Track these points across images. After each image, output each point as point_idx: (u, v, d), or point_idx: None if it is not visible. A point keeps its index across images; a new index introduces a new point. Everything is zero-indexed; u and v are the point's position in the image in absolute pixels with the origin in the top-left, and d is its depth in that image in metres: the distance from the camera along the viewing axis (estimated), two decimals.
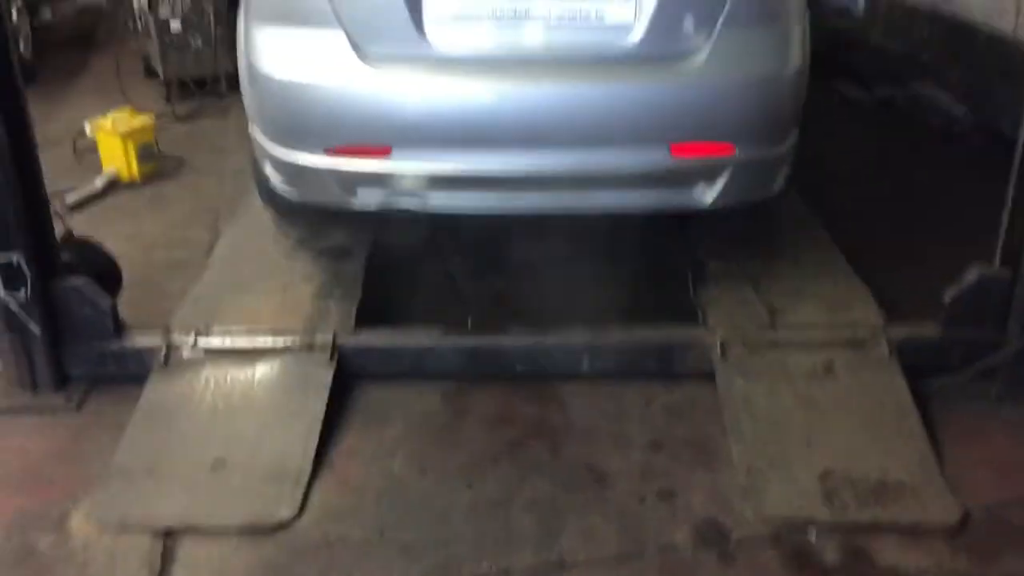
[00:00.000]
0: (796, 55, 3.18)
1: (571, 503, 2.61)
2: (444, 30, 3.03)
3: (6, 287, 2.91)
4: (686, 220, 3.79)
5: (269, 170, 3.38)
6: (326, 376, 2.98)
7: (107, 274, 3.30)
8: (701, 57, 3.05)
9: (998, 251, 3.05)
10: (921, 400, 2.92)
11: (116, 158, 4.77)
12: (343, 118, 3.08)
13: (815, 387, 2.94)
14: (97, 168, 4.82)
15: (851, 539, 2.47)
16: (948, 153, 5.24)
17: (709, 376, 3.07)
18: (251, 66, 3.22)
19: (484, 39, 3.06)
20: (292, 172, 3.27)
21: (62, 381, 3.09)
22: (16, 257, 2.88)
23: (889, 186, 4.72)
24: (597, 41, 3.05)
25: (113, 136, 4.75)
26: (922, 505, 2.54)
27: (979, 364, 3.01)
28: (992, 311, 3.03)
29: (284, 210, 3.83)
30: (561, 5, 3.02)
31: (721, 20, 3.04)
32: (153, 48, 6.12)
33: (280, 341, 3.09)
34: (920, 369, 3.03)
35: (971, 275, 3.03)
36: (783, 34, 3.17)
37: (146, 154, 4.87)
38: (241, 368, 3.02)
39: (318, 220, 3.83)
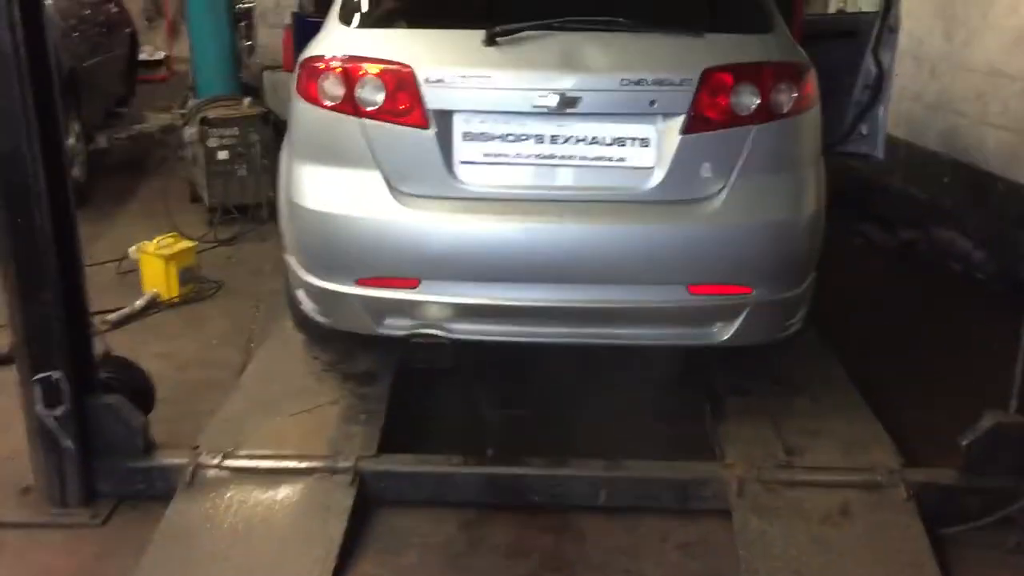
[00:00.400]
0: (811, 200, 3.31)
1: None
2: (473, 171, 3.20)
3: (45, 404, 3.02)
4: (704, 354, 3.85)
5: (302, 297, 3.52)
6: (346, 500, 3.03)
7: (141, 392, 3.42)
8: (718, 201, 3.18)
9: (1013, 398, 3.09)
10: (938, 546, 2.91)
11: (158, 279, 4.96)
12: (375, 252, 3.23)
13: (831, 529, 2.94)
14: (138, 288, 5.00)
15: None
16: (968, 297, 5.30)
17: (725, 513, 3.09)
18: (291, 200, 3.40)
19: (511, 180, 3.22)
20: (324, 300, 3.40)
21: (90, 496, 3.16)
22: (56, 375, 3.00)
23: (909, 327, 4.77)
24: (619, 184, 3.21)
25: (157, 259, 4.95)
26: None
27: (997, 514, 3.00)
28: (1009, 458, 3.05)
29: (315, 335, 3.96)
30: (585, 149, 3.18)
31: (738, 167, 3.19)
32: (200, 175, 6.40)
33: (304, 464, 3.17)
34: (937, 514, 3.03)
35: (987, 421, 3.06)
36: (798, 180, 3.31)
37: (187, 276, 5.05)
38: (265, 490, 3.08)
39: (347, 345, 3.95)
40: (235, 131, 6.27)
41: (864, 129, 5.03)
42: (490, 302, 3.23)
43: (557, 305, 3.22)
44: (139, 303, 4.82)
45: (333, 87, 3.23)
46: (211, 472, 3.14)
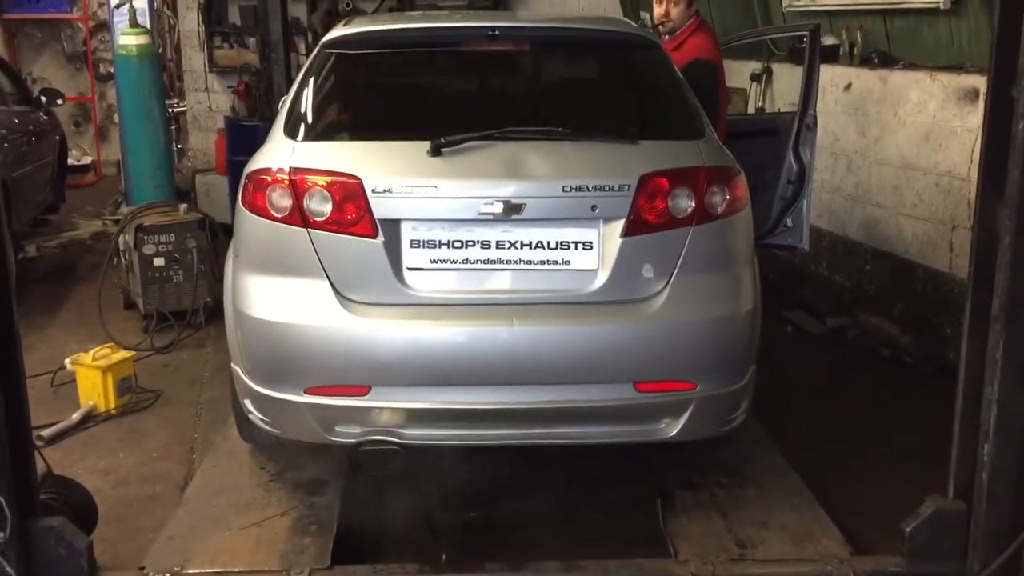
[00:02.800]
0: (748, 296, 3.43)
1: None
2: (421, 277, 3.26)
3: None
4: (651, 447, 3.90)
5: (250, 406, 3.50)
6: None
7: (83, 511, 3.33)
8: (660, 300, 3.28)
9: (951, 484, 3.19)
10: None
11: (94, 391, 4.87)
12: (324, 360, 3.25)
13: None
14: (73, 401, 4.90)
15: None
16: (899, 381, 5.47)
17: None
18: (237, 310, 3.41)
19: (458, 285, 3.29)
20: (273, 409, 3.39)
21: None
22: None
23: (844, 413, 4.89)
24: (564, 287, 3.29)
25: (93, 370, 4.86)
26: None
27: None
28: (950, 543, 3.13)
29: (262, 444, 3.93)
30: (531, 253, 3.27)
31: (677, 267, 3.30)
32: (135, 282, 6.34)
33: None
34: None
35: (927, 508, 3.15)
36: (735, 277, 3.43)
37: (124, 387, 4.97)
38: None
39: (294, 453, 3.92)
40: (171, 237, 6.25)
41: (789, 222, 5.25)
42: (441, 406, 3.25)
43: (508, 407, 3.26)
44: (76, 416, 4.72)
45: (280, 199, 3.28)
46: None
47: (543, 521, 3.69)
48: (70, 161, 10.33)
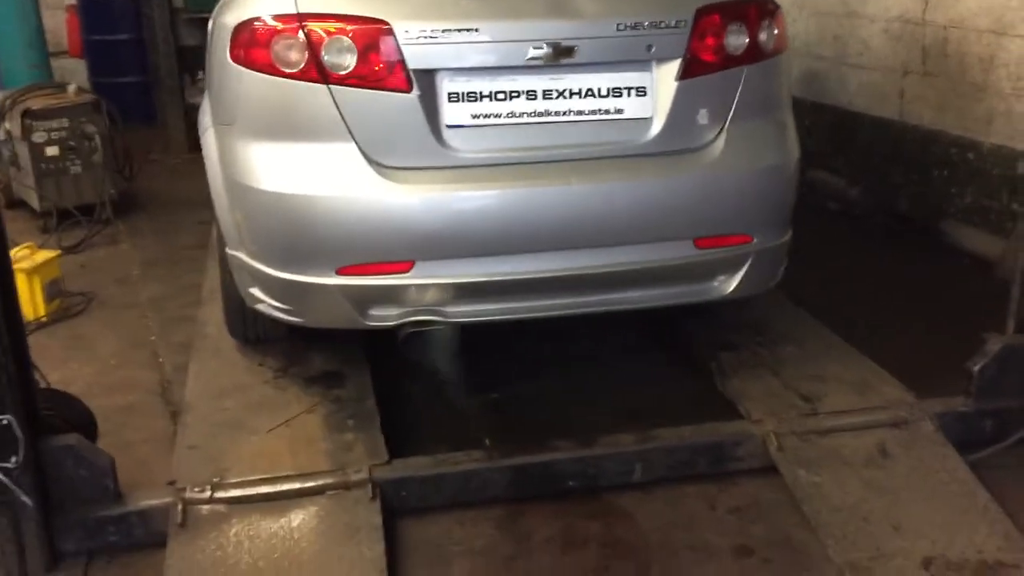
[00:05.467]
0: (794, 143, 3.25)
1: None
2: (462, 135, 2.90)
3: None
4: (670, 313, 3.72)
5: (260, 294, 3.09)
6: (374, 517, 2.67)
7: (85, 427, 2.88)
8: (717, 149, 3.05)
9: (1010, 320, 3.15)
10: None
11: (20, 298, 4.25)
12: (359, 235, 2.86)
13: (877, 471, 2.90)
14: None
15: None
16: (853, 234, 5.48)
17: (760, 471, 2.99)
18: (239, 184, 2.97)
19: (504, 142, 2.94)
20: (295, 295, 3.00)
21: (53, 561, 2.62)
22: (7, 419, 2.45)
23: (819, 272, 4.83)
24: (618, 138, 3.00)
25: (17, 274, 4.23)
26: None
27: (1017, 435, 3.05)
28: (1016, 379, 3.11)
29: (253, 338, 3.53)
30: (581, 103, 2.95)
31: (731, 112, 3.06)
32: (24, 176, 5.61)
33: (309, 483, 2.77)
34: (958, 441, 3.05)
35: (994, 345, 3.11)
36: (783, 123, 3.24)
37: (53, 291, 4.39)
38: (275, 519, 2.67)
39: (290, 347, 3.55)
40: (64, 123, 5.56)
41: None
42: (493, 278, 2.94)
43: (565, 274, 2.98)
44: None
45: (291, 52, 2.82)
46: (204, 508, 2.68)
47: (572, 396, 3.47)
48: None
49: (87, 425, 2.91)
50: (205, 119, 3.31)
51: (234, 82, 2.96)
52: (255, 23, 2.88)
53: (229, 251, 3.18)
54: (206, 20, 8.48)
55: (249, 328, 3.49)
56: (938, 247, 5.09)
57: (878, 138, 5.70)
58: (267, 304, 3.09)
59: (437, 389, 3.60)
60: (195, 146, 7.40)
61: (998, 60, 4.84)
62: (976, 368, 3.10)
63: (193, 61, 7.85)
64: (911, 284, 4.58)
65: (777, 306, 3.87)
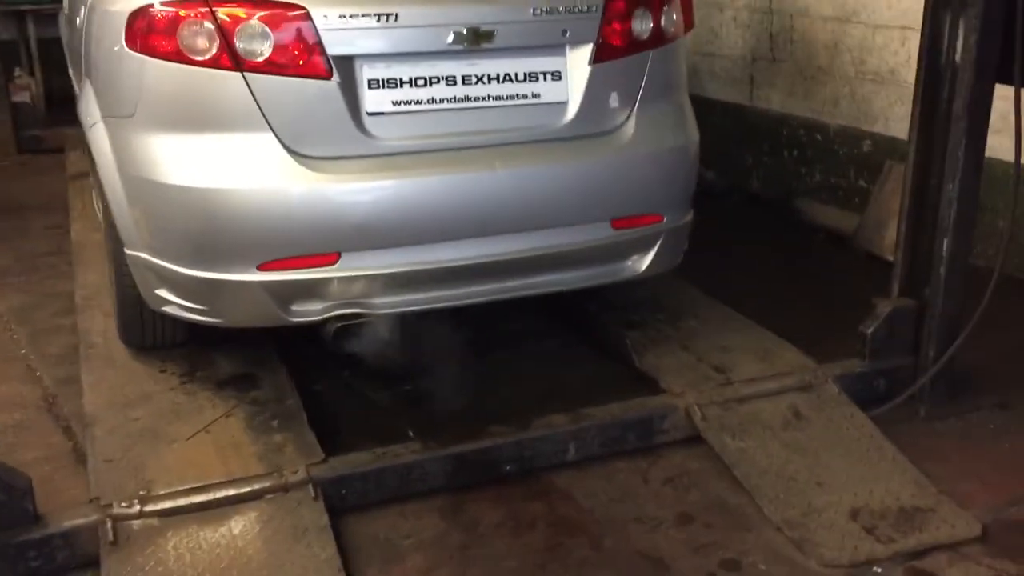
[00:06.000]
0: (694, 125, 3.40)
1: None
2: (383, 123, 2.86)
3: None
4: (580, 296, 3.79)
5: (169, 295, 2.94)
6: (320, 517, 2.60)
7: None
8: (627, 132, 3.14)
9: (895, 284, 3.39)
10: None
11: None
12: (282, 229, 2.78)
13: (795, 433, 3.05)
14: None
15: (912, 567, 2.57)
16: (713, 213, 5.69)
17: (683, 442, 3.10)
18: (143, 179, 2.84)
19: (424, 129, 2.92)
20: (210, 294, 2.87)
21: None
22: None
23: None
24: (534, 123, 3.04)
25: None
26: (948, 523, 2.71)
27: (907, 391, 3.29)
28: (903, 340, 3.35)
29: (156, 345, 3.35)
30: (499, 88, 2.96)
31: (639, 96, 3.15)
32: None
33: (245, 488, 2.66)
34: (856, 400, 3.25)
35: (884, 308, 3.33)
36: (684, 106, 3.38)
37: None
38: (213, 528, 2.55)
39: (188, 351, 3.39)
40: None
41: None
42: (420, 267, 2.91)
43: (488, 260, 2.99)
44: None
45: (200, 38, 2.70)
46: (135, 524, 2.53)
47: (485, 384, 3.47)
48: None
49: None
50: (91, 112, 3.11)
51: (133, 72, 2.81)
52: (154, 9, 2.73)
53: (128, 251, 3.00)
54: (19, 13, 7.94)
55: (147, 334, 3.31)
56: (795, 223, 5.39)
57: (730, 122, 5.97)
58: (176, 306, 2.95)
59: (349, 384, 3.52)
60: (23, 147, 7.04)
61: (842, 46, 5.17)
62: (869, 331, 3.32)
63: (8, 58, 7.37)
64: (775, 258, 4.84)
65: (668, 284, 3.99)
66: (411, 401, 3.41)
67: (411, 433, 3.10)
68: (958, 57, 3.03)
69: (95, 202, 4.30)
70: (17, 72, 7.55)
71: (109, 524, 2.50)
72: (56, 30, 7.47)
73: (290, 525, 2.57)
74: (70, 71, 4.61)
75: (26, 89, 7.53)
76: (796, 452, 2.98)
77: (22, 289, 4.50)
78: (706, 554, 2.63)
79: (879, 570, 2.56)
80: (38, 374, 3.67)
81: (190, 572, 2.42)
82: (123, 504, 2.56)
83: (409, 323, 3.39)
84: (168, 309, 2.98)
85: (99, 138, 3.02)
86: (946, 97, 3.09)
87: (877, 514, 2.74)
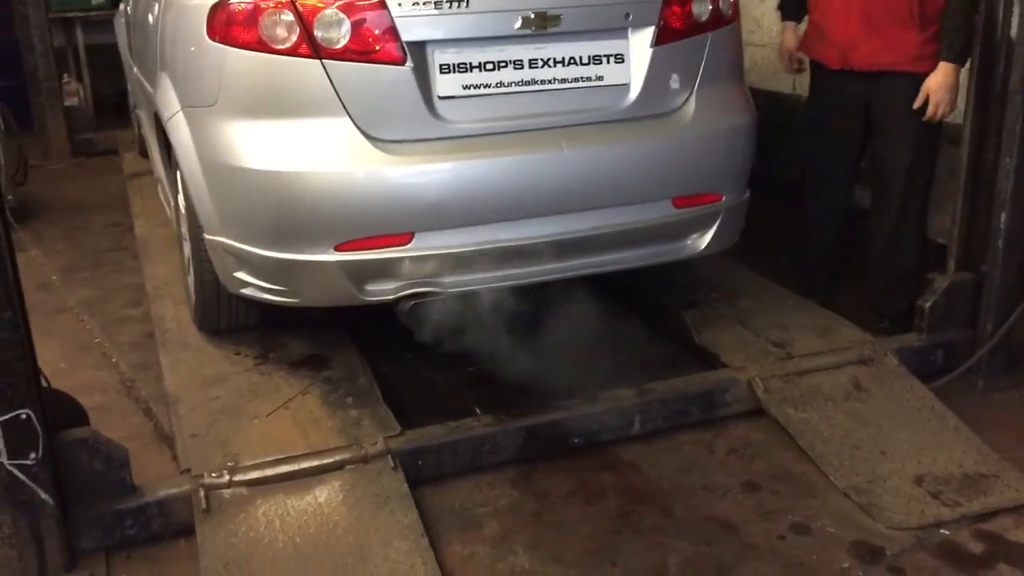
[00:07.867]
0: (751, 103, 3.45)
1: (724, 556, 2.55)
2: (454, 106, 2.95)
3: (12, 455, 2.35)
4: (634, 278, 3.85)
5: (248, 277, 3.05)
6: (401, 486, 2.70)
7: (79, 423, 2.77)
8: (687, 112, 3.21)
9: (951, 259, 3.44)
10: None
11: None
12: (358, 210, 2.87)
13: (857, 404, 3.11)
14: None
15: (978, 529, 2.63)
16: (754, 200, 5.73)
17: (744, 415, 3.17)
18: (226, 165, 2.94)
19: (493, 112, 3.00)
20: (289, 275, 2.97)
21: (72, 560, 2.53)
22: (26, 413, 2.35)
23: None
24: (598, 104, 3.11)
25: None
26: (1012, 488, 2.76)
27: (967, 364, 3.33)
28: (961, 313, 3.40)
29: (231, 329, 3.47)
30: (564, 71, 3.05)
31: (699, 77, 3.22)
32: None
33: (328, 459, 2.76)
34: (916, 373, 3.30)
35: (941, 283, 3.38)
36: (739, 85, 3.44)
37: None
38: (299, 497, 2.65)
39: (260, 335, 3.50)
40: None
41: None
42: (491, 246, 3.00)
43: (555, 239, 3.06)
44: None
45: (281, 28, 2.80)
46: (226, 492, 2.64)
47: (556, 364, 3.55)
48: None
49: (81, 421, 2.79)
50: (169, 104, 3.23)
51: (214, 62, 2.91)
52: (233, 1, 2.84)
53: (208, 236, 3.11)
54: (68, 20, 8.11)
55: (223, 318, 3.42)
56: None
57: (773, 113, 5.99)
58: (255, 287, 3.06)
59: (413, 366, 3.61)
60: (77, 151, 7.21)
61: None
62: (927, 305, 3.38)
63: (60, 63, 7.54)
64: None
65: (722, 265, 4.05)
66: (476, 381, 3.49)
67: (477, 410, 3.18)
68: (1013, 32, 3.09)
69: (161, 196, 4.44)
70: (66, 78, 7.74)
71: (202, 493, 2.61)
72: (104, 36, 7.67)
73: (372, 493, 2.67)
74: (134, 70, 4.75)
75: (74, 95, 7.73)
76: (858, 422, 3.04)
77: (89, 283, 4.65)
78: (775, 519, 2.70)
79: (947, 532, 2.62)
80: (114, 360, 3.80)
81: (280, 536, 2.53)
82: (213, 475, 2.67)
83: (473, 304, 3.50)
84: (246, 291, 3.08)
85: (179, 128, 3.14)
86: (1001, 72, 3.14)
87: (941, 480, 2.80)
